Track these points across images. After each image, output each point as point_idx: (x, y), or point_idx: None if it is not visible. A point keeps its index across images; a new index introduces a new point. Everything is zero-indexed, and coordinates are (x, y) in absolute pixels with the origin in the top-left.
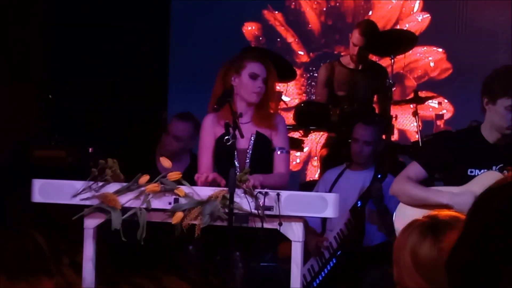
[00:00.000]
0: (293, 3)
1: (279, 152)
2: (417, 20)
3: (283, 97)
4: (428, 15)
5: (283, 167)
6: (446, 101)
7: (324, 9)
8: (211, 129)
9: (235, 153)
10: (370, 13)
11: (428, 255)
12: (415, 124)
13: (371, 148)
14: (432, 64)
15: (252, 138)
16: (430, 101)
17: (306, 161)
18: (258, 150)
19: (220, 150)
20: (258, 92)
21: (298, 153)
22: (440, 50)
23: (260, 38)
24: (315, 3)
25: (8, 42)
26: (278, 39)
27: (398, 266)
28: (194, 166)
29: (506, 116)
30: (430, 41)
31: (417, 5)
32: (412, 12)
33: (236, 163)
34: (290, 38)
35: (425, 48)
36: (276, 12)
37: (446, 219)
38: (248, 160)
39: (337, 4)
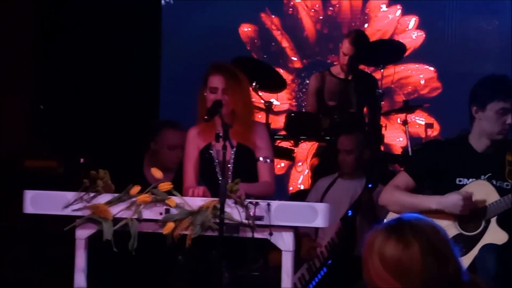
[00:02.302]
0: (291, 9)
1: (263, 161)
2: (412, 37)
3: (273, 100)
4: (423, 33)
5: (267, 175)
6: (432, 121)
7: (321, 17)
8: (194, 141)
9: (218, 165)
10: (366, 25)
11: (394, 254)
12: (401, 139)
13: (353, 156)
14: (422, 81)
15: (233, 149)
16: (417, 118)
17: (291, 166)
18: (240, 161)
19: (203, 162)
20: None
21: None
22: (432, 68)
23: (255, 41)
24: (313, 11)
25: (0, 53)
26: (273, 43)
27: (367, 268)
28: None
29: (497, 120)
30: (422, 59)
31: (412, 22)
32: (407, 29)
33: (218, 175)
34: (285, 43)
35: (417, 65)
36: (274, 16)
37: (409, 220)
38: (230, 172)
39: (334, 14)
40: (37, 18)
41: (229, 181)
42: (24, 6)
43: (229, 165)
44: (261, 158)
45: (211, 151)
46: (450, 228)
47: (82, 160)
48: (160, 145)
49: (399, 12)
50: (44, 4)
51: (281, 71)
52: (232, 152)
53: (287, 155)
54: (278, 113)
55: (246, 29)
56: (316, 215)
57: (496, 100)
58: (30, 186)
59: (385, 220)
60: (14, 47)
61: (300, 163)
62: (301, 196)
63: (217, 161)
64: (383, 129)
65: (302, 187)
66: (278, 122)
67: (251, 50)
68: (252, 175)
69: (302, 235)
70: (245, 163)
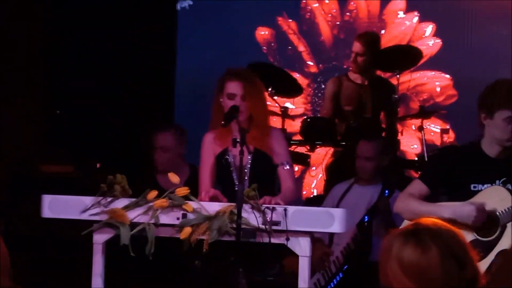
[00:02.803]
0: (308, 13)
1: (282, 167)
2: (428, 44)
3: (288, 104)
4: (440, 40)
5: (289, 181)
6: (448, 126)
7: (338, 22)
8: (210, 146)
9: (235, 170)
10: (383, 31)
11: (412, 258)
12: (415, 146)
13: (372, 163)
14: (438, 89)
15: (250, 154)
16: (432, 125)
17: (304, 170)
18: (257, 166)
19: (219, 168)
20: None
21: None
22: (448, 76)
23: (272, 44)
24: (330, 15)
25: (13, 58)
26: (289, 47)
27: (385, 273)
28: (194, 178)
29: (505, 128)
30: (439, 67)
31: (429, 29)
32: (423, 36)
33: (235, 180)
34: (301, 48)
35: (433, 73)
36: (290, 20)
37: (427, 224)
38: (246, 178)
39: (351, 19)
40: (52, 24)
41: (246, 185)
42: (37, 11)
43: (245, 170)
44: (280, 164)
45: (228, 156)
46: (467, 234)
47: (98, 165)
48: (153, 148)
49: (416, 19)
50: (58, 9)
51: (297, 75)
52: (249, 157)
53: (303, 160)
54: (293, 117)
55: (262, 33)
56: (333, 221)
57: (503, 109)
58: (46, 191)
59: (401, 227)
60: (29, 52)
61: (314, 168)
62: (316, 201)
63: (233, 166)
64: (399, 134)
65: (315, 192)
66: (294, 126)
67: (268, 54)
68: (269, 180)
69: (315, 241)
70: (261, 168)
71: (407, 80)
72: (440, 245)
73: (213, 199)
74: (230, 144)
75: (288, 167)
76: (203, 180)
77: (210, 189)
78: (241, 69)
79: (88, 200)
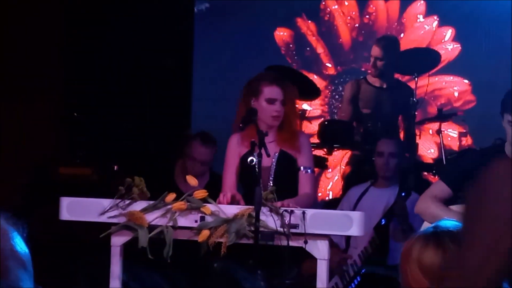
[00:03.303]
0: (327, 15)
1: (304, 172)
2: (447, 49)
3: (305, 106)
4: (459, 45)
5: (308, 187)
6: (465, 130)
7: (357, 25)
8: (236, 148)
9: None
10: (402, 35)
11: (433, 261)
12: (432, 151)
13: (396, 160)
14: (456, 94)
15: (275, 156)
16: (449, 130)
17: (320, 171)
18: (282, 168)
19: (244, 169)
20: (276, 116)
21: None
22: (466, 81)
23: (290, 45)
24: (349, 18)
25: (32, 61)
26: (308, 48)
27: (405, 276)
28: (213, 183)
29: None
30: (457, 71)
31: (449, 34)
32: (443, 40)
33: (260, 181)
34: (320, 49)
35: (451, 77)
36: (310, 21)
37: (447, 226)
38: (271, 178)
39: (370, 22)
40: (69, 26)
41: (270, 187)
42: (55, 13)
43: (271, 172)
44: (302, 168)
45: (253, 157)
46: None
47: (115, 167)
48: (189, 157)
49: (435, 23)
50: (74, 11)
51: (314, 77)
52: (274, 159)
53: (321, 163)
54: (310, 119)
55: (281, 34)
56: (351, 224)
57: (507, 112)
58: (65, 194)
59: (421, 229)
60: (47, 55)
61: (330, 170)
62: (332, 204)
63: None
64: (417, 138)
65: (331, 194)
66: (310, 128)
67: (286, 55)
68: (293, 182)
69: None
70: (286, 171)
71: (425, 84)
72: (460, 246)
73: (230, 201)
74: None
75: (309, 172)
76: (226, 181)
77: (228, 192)
78: (277, 75)
79: (106, 202)
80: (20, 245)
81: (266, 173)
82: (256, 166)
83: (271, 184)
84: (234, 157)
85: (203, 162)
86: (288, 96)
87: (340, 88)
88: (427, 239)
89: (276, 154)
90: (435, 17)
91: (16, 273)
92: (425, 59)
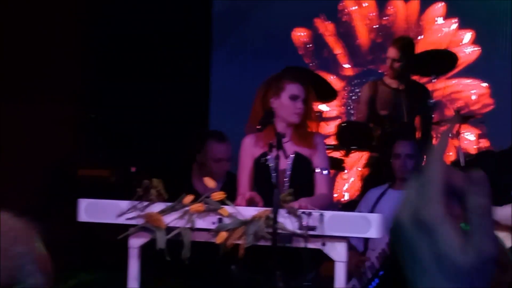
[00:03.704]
0: (346, 16)
1: (320, 173)
2: (466, 52)
3: (321, 106)
4: (478, 48)
5: (324, 187)
6: (481, 132)
7: (375, 26)
8: (250, 150)
9: (275, 174)
10: (420, 37)
11: None
12: (450, 153)
13: (413, 162)
14: (474, 97)
15: (291, 158)
16: (467, 133)
17: (336, 172)
18: (298, 170)
19: (258, 171)
20: (299, 113)
21: None
22: (485, 85)
23: (308, 46)
24: (367, 19)
25: (50, 62)
26: (326, 49)
27: None
28: (229, 185)
29: None
30: (476, 75)
31: (468, 37)
32: (461, 43)
33: (273, 184)
34: (338, 50)
35: (470, 80)
36: (328, 22)
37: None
38: (287, 179)
39: (389, 23)
40: (88, 28)
41: (286, 189)
42: (72, 15)
43: (286, 174)
44: (318, 169)
45: (268, 158)
46: (507, 240)
47: (133, 169)
48: (206, 157)
49: (455, 26)
50: (92, 12)
51: (332, 77)
52: (289, 161)
53: (337, 165)
54: (326, 120)
55: (299, 34)
56: (370, 226)
57: None
58: (82, 195)
59: None
60: (65, 56)
61: (346, 171)
62: (349, 206)
63: (273, 170)
64: (434, 140)
65: (347, 195)
66: (327, 128)
67: (304, 55)
68: (308, 184)
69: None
70: (302, 172)
71: (442, 87)
72: None
73: (249, 202)
74: (266, 145)
75: (325, 173)
76: (241, 183)
77: (246, 192)
78: (299, 73)
79: (124, 204)
80: (39, 247)
81: (282, 175)
82: (272, 167)
83: (287, 186)
84: (248, 159)
85: (223, 159)
86: (309, 95)
87: (358, 89)
88: None
89: (292, 156)
90: (454, 20)
91: (35, 275)
92: (442, 61)
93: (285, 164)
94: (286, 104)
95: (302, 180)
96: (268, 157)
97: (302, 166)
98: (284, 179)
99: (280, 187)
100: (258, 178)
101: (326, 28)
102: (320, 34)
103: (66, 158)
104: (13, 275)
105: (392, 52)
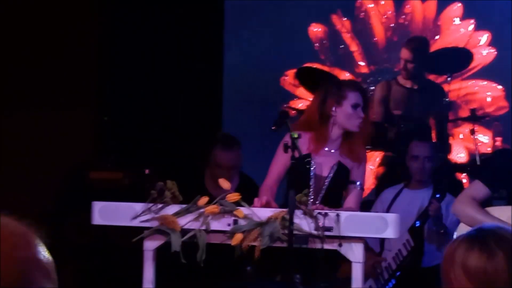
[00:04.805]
0: (363, 13)
1: (355, 186)
2: (482, 53)
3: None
4: (494, 50)
5: (354, 202)
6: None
7: (392, 25)
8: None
9: (314, 178)
10: (437, 37)
11: (478, 265)
12: (462, 155)
13: (431, 164)
14: (489, 99)
15: (334, 167)
16: (481, 135)
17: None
18: (337, 179)
19: (298, 171)
20: (360, 122)
21: None
22: (500, 87)
23: (324, 42)
24: (385, 17)
25: (63, 65)
26: (342, 46)
27: (449, 280)
28: (243, 186)
29: None
30: (491, 77)
31: (485, 38)
32: (478, 45)
33: (311, 187)
34: (354, 47)
35: (485, 82)
36: (345, 19)
37: (491, 229)
38: (325, 187)
39: (406, 22)
40: (102, 31)
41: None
42: (88, 19)
43: (325, 181)
44: (354, 183)
45: (309, 159)
46: None
47: (147, 171)
48: (214, 164)
49: (471, 27)
50: (107, 15)
51: (347, 75)
52: (332, 171)
53: None
54: None
55: (315, 29)
56: (386, 226)
57: None
58: (95, 198)
59: (456, 231)
60: (78, 61)
61: None
62: (363, 206)
63: (313, 173)
64: (451, 138)
65: None
66: None
67: (319, 51)
68: (343, 194)
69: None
70: (340, 182)
71: (458, 88)
72: (505, 249)
73: (265, 207)
74: (314, 149)
75: (358, 188)
76: (270, 175)
77: (263, 197)
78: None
79: (138, 206)
80: (43, 253)
81: (321, 182)
82: (312, 171)
83: (323, 193)
84: (284, 157)
85: (229, 168)
86: (366, 104)
87: (372, 87)
88: (472, 242)
89: (335, 166)
90: (472, 21)
91: (40, 282)
92: (457, 58)
93: (327, 171)
94: (348, 112)
95: (339, 190)
96: (312, 159)
97: (342, 177)
98: (323, 186)
99: (316, 192)
100: (296, 180)
101: (343, 24)
102: (336, 31)
103: (79, 160)
104: (16, 281)
105: (405, 53)
